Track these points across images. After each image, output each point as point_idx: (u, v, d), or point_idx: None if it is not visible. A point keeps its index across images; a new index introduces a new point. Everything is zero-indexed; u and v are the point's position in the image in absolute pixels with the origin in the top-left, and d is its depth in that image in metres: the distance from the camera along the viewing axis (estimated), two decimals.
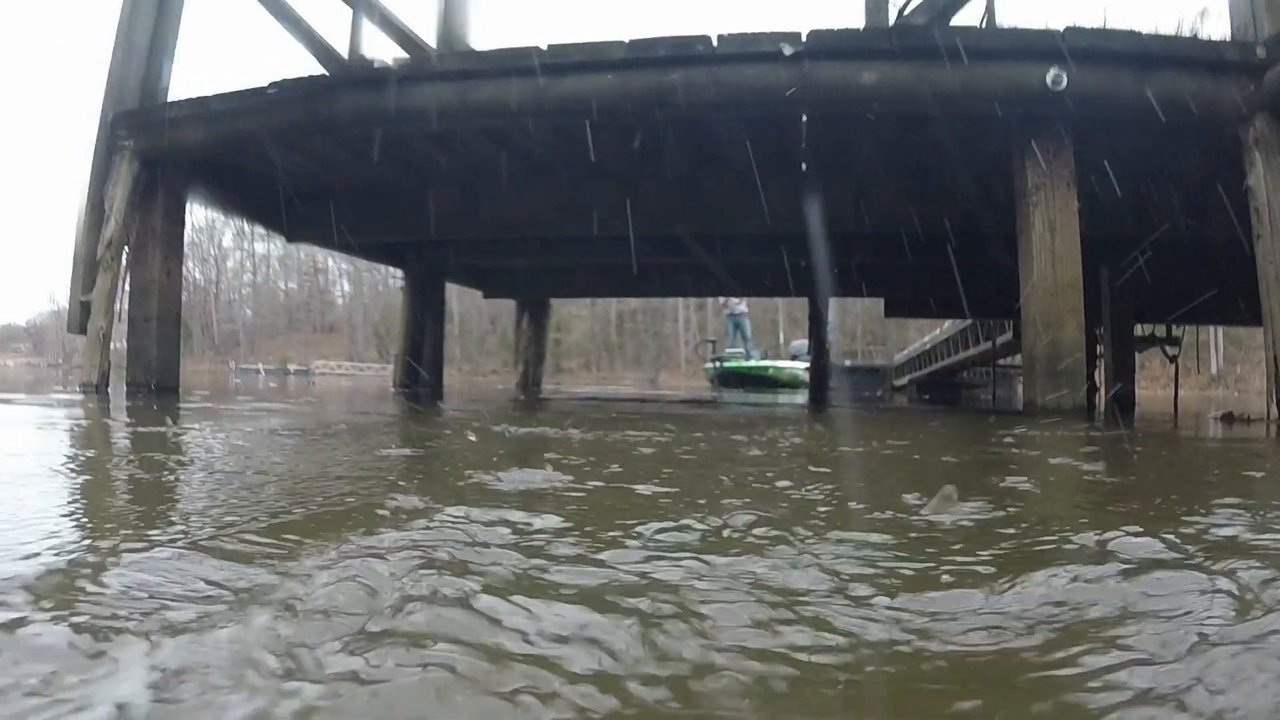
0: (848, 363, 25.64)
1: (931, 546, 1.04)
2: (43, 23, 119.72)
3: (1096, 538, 1.04)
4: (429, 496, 1.26)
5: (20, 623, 0.63)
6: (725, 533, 1.09)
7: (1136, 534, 1.05)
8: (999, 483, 1.74)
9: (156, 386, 5.62)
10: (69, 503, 1.33)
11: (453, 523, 1.05)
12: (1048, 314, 4.44)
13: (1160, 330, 10.52)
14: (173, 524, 1.10)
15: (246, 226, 43.67)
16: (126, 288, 5.69)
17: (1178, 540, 1.04)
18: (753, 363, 23.04)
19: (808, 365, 15.97)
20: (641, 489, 1.49)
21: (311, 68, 5.59)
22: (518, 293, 11.62)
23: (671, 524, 1.11)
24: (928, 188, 6.19)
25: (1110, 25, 4.46)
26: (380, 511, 1.14)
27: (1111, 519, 1.26)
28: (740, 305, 27.63)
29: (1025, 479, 1.89)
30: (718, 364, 21.18)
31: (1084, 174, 4.64)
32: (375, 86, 4.93)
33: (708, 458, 2.37)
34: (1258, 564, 0.85)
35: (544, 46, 4.69)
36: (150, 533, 1.03)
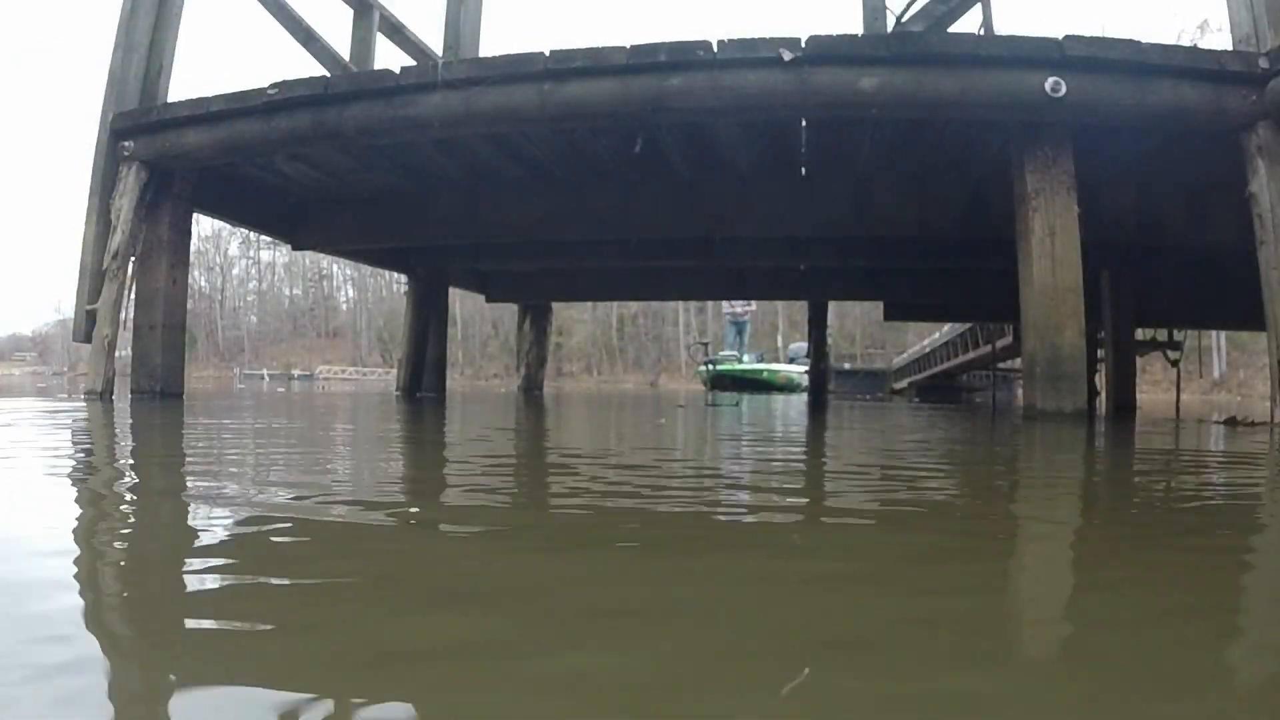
0: (847, 366, 25.64)
1: None
2: (43, 23, 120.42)
3: None
4: None
5: None
6: None
7: None
8: None
9: (161, 393, 5.65)
10: None
11: None
12: (1048, 318, 4.45)
13: (1162, 334, 10.53)
14: None
15: (252, 235, 43.82)
16: (132, 296, 5.72)
17: None
18: (746, 365, 23.07)
19: (805, 369, 16.01)
20: None
21: (315, 72, 5.62)
22: (520, 296, 11.67)
23: None
24: (927, 192, 6.22)
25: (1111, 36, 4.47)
26: None
27: None
28: (742, 310, 27.69)
29: None
30: (711, 367, 21.23)
31: (1084, 179, 4.65)
32: (384, 96, 4.97)
33: None
34: None
35: (547, 52, 4.72)
36: None
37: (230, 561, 0.96)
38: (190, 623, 0.72)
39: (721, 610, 0.78)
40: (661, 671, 0.61)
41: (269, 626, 0.70)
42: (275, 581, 0.87)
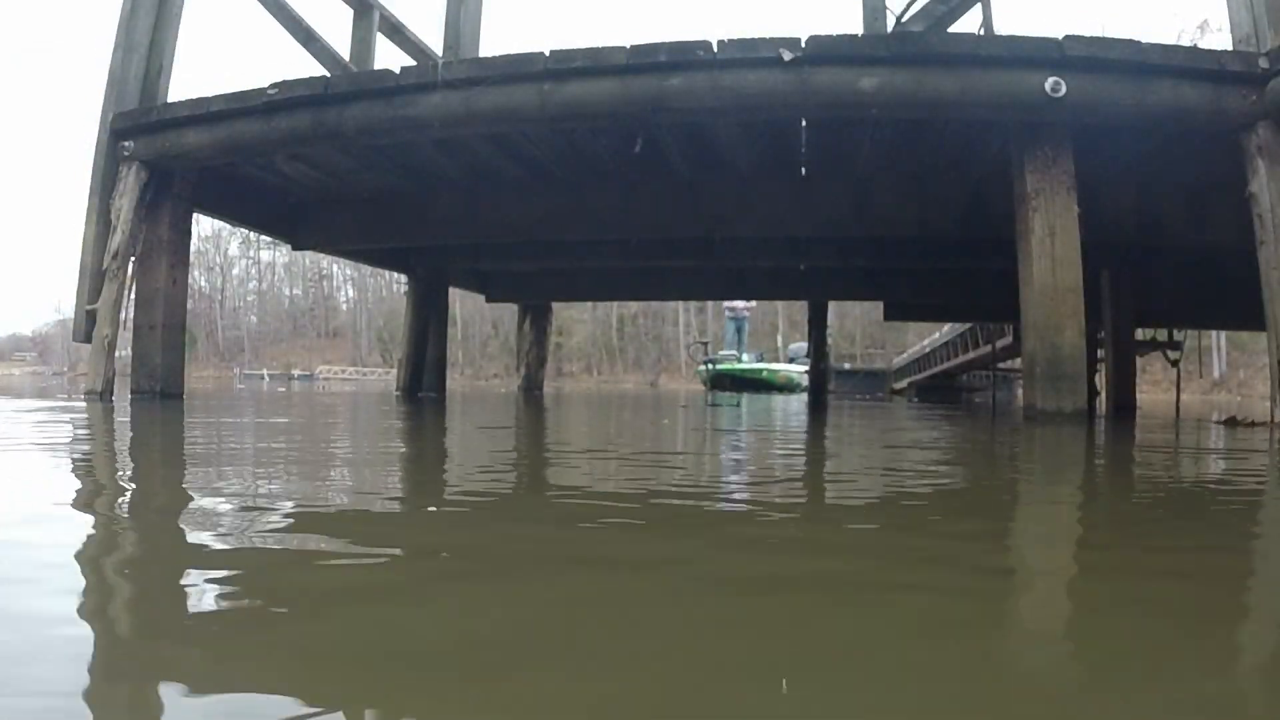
0: (847, 366, 25.64)
1: None
2: (43, 23, 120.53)
3: None
4: None
5: None
6: None
7: None
8: None
9: (161, 393, 5.64)
10: None
11: None
12: (1048, 318, 4.45)
13: (1162, 334, 10.53)
14: None
15: (252, 235, 43.87)
16: (132, 296, 5.72)
17: None
18: (746, 365, 23.03)
19: (805, 369, 16.01)
20: None
21: (315, 72, 5.62)
22: (520, 297, 11.67)
23: None
24: (927, 191, 6.21)
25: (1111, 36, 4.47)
26: None
27: None
28: (743, 308, 27.69)
29: None
30: (710, 366, 21.21)
31: (1084, 179, 4.65)
32: (384, 96, 4.96)
33: None
34: None
35: (547, 52, 4.72)
36: None
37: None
38: None
39: None
40: None
41: None
42: None
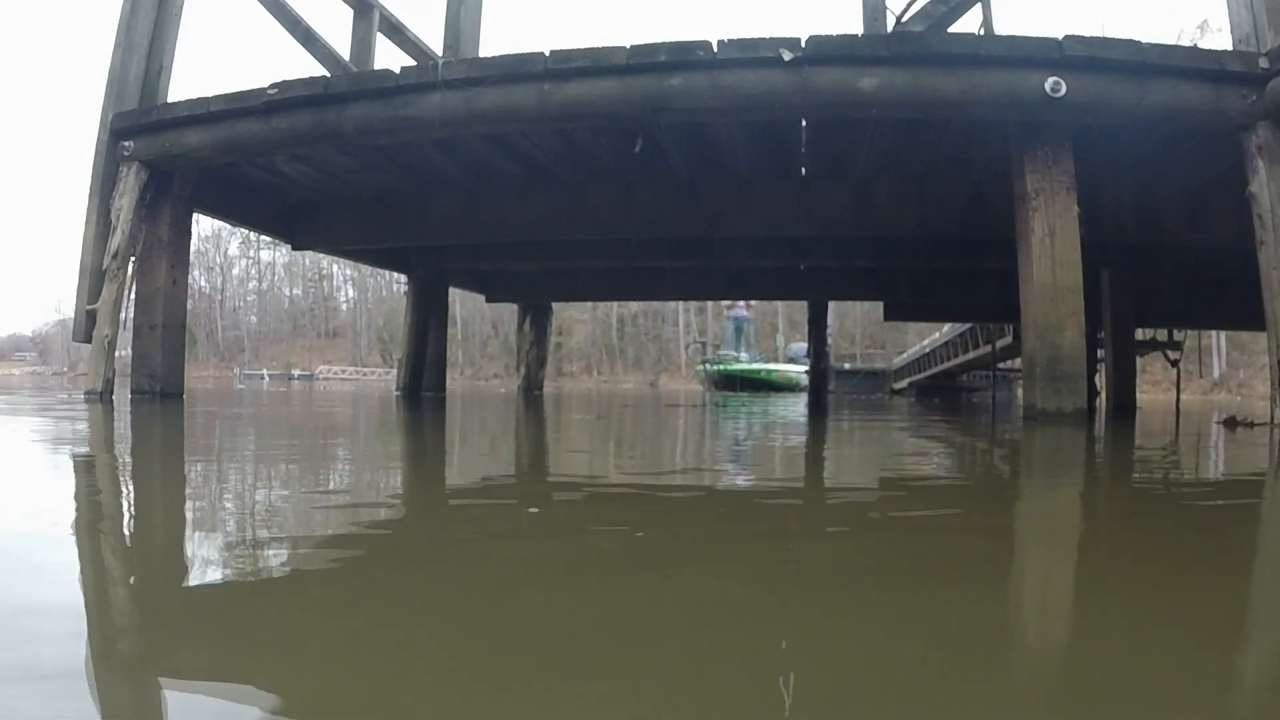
0: (847, 366, 25.70)
1: None
2: (43, 23, 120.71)
3: None
4: None
5: None
6: None
7: None
8: None
9: (161, 393, 5.64)
10: None
11: None
12: (1048, 318, 4.45)
13: (1162, 334, 10.54)
14: None
15: (252, 235, 44.04)
16: (132, 296, 5.72)
17: None
18: (745, 365, 23.12)
19: (804, 368, 16.05)
20: None
21: (315, 72, 5.62)
22: (520, 297, 11.67)
23: None
24: (927, 191, 6.22)
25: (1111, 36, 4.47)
26: None
27: None
28: (743, 309, 27.74)
29: None
30: (708, 366, 21.28)
31: (1084, 179, 4.65)
32: (384, 96, 4.96)
33: None
34: None
35: (547, 53, 4.72)
36: None
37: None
38: None
39: None
40: None
41: None
42: None
